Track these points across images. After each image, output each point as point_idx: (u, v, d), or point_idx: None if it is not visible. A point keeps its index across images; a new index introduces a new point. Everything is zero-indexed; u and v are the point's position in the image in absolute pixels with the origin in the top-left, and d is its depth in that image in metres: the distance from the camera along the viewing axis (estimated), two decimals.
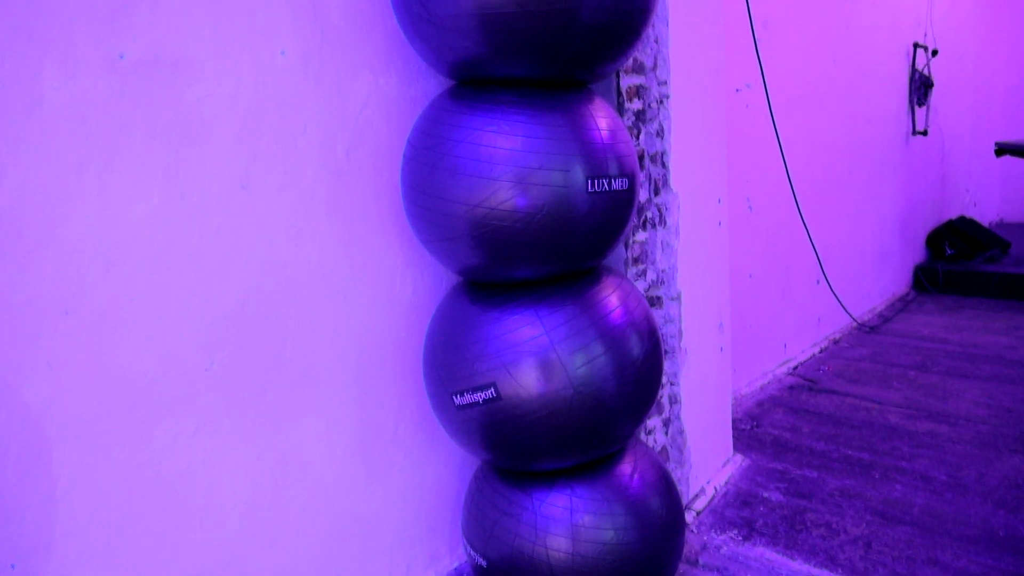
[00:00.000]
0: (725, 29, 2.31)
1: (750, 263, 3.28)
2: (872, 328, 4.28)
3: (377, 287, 1.68)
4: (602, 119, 1.49)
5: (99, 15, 1.21)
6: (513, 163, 1.38)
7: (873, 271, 4.65)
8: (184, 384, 1.34)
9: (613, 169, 1.46)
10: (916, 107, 5.03)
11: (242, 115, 1.41)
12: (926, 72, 5.02)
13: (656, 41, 1.88)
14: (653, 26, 1.89)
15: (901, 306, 4.81)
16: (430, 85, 1.74)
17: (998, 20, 6.40)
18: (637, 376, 1.54)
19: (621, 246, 1.90)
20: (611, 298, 1.56)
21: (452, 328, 1.55)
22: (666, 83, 1.91)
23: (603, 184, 1.44)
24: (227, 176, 1.39)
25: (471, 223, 1.41)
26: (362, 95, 1.62)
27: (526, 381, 1.45)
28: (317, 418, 1.57)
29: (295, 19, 1.49)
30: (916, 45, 4.91)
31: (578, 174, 1.41)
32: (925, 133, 5.09)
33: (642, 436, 2.02)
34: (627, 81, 1.82)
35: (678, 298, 2.05)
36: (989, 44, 6.28)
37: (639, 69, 1.84)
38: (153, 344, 1.30)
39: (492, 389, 1.46)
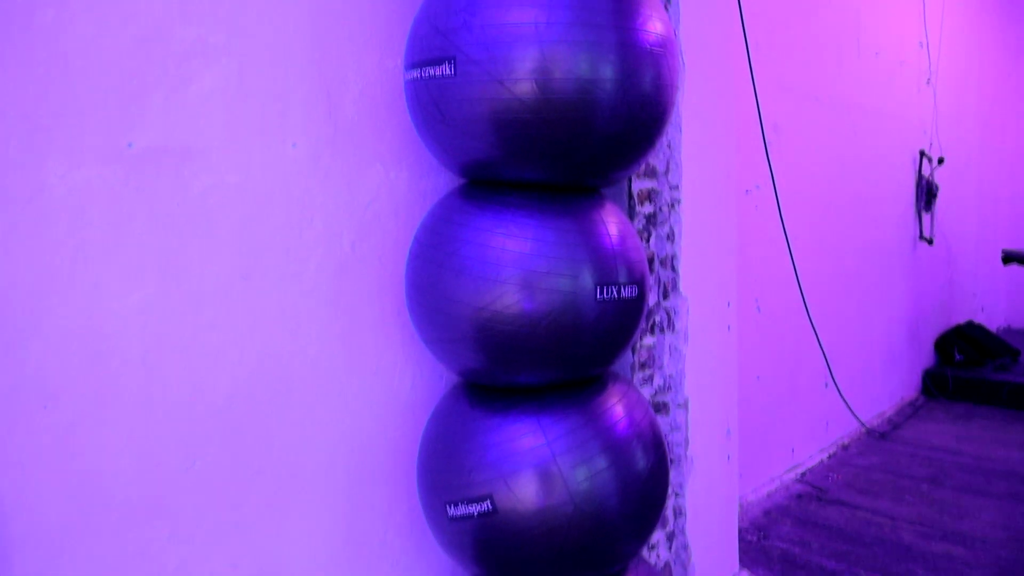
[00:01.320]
0: (736, 133, 2.33)
1: (758, 365, 3.21)
2: (882, 435, 4.16)
3: (374, 383, 1.62)
4: (613, 225, 1.46)
5: (111, 104, 1.20)
6: (521, 266, 1.34)
7: (882, 374, 4.57)
8: (162, 485, 1.27)
9: (623, 276, 1.42)
10: (923, 212, 5.06)
11: (248, 206, 1.39)
12: (932, 179, 5.07)
13: (669, 146, 1.88)
14: (666, 131, 1.90)
15: (911, 412, 4.71)
16: (441, 180, 1.73)
17: (1002, 132, 6.53)
18: (642, 493, 1.46)
19: (628, 350, 1.85)
20: (617, 408, 1.50)
21: (449, 433, 1.48)
22: (678, 187, 1.90)
23: (612, 291, 1.40)
24: (227, 267, 1.36)
25: (475, 325, 1.37)
26: (372, 188, 1.60)
27: (525, 495, 1.37)
28: (301, 522, 1.48)
29: (309, 112, 1.48)
30: (922, 153, 4.98)
31: (587, 280, 1.37)
32: (930, 242, 5.10)
33: (644, 552, 1.91)
34: (639, 185, 1.81)
35: (685, 405, 1.99)
36: (994, 154, 6.38)
37: (651, 173, 1.84)
38: (133, 442, 1.23)
39: (488, 502, 1.38)
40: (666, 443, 1.60)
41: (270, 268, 1.42)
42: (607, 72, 1.29)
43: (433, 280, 1.41)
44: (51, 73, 1.13)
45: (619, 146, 1.39)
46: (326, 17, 1.49)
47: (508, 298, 1.34)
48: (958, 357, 5.32)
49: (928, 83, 5.00)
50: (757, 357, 3.19)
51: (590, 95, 1.29)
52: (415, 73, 1.39)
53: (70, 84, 1.15)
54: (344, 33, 1.53)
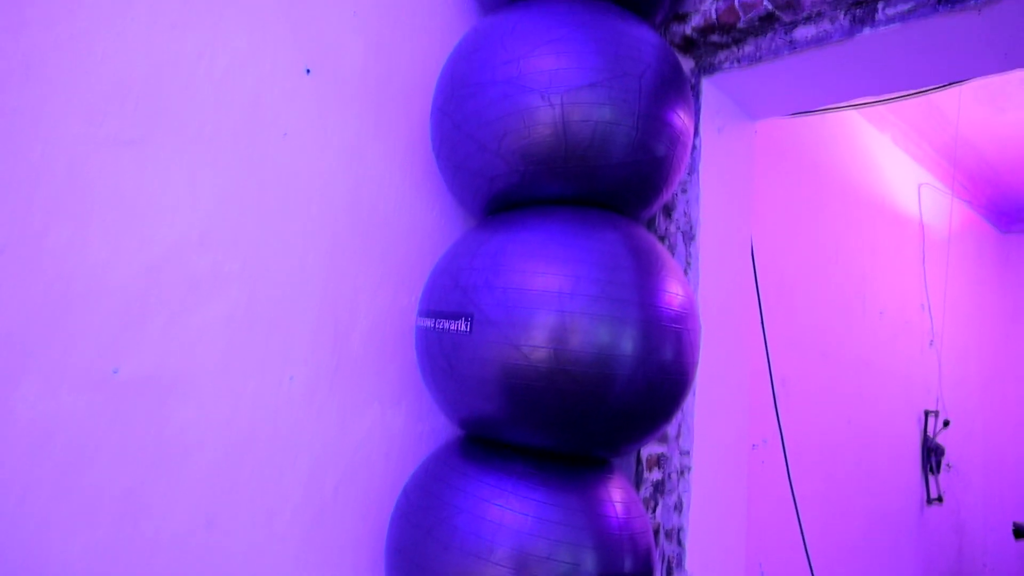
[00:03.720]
0: (749, 394, 2.26)
1: None
2: None
3: None
4: (620, 504, 1.34)
5: (106, 328, 1.13)
6: (519, 547, 1.20)
7: None
8: None
9: (628, 565, 1.28)
10: (930, 475, 4.90)
11: (229, 443, 1.28)
12: (938, 441, 4.96)
13: (681, 411, 1.80)
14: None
15: None
16: (439, 423, 1.63)
17: (1004, 395, 6.52)
18: None
19: None
20: None
21: None
22: (688, 453, 1.79)
23: None
24: (191, 511, 1.22)
25: None
26: (365, 427, 1.50)
27: None
28: None
29: (314, 344, 1.42)
30: (927, 413, 4.92)
31: (589, 569, 1.22)
32: (940, 500, 4.89)
33: None
34: (648, 450, 1.70)
35: None
36: (997, 417, 6.33)
37: (662, 438, 1.74)
38: None
39: None
40: None
41: (239, 514, 1.28)
42: (627, 347, 1.24)
43: (417, 548, 1.26)
44: (49, 294, 1.08)
45: (634, 420, 1.30)
46: (345, 250, 1.48)
47: None
48: None
49: (931, 344, 5.05)
50: None
51: (608, 368, 1.22)
52: (429, 322, 1.34)
53: (67, 306, 1.09)
54: (361, 267, 1.50)
